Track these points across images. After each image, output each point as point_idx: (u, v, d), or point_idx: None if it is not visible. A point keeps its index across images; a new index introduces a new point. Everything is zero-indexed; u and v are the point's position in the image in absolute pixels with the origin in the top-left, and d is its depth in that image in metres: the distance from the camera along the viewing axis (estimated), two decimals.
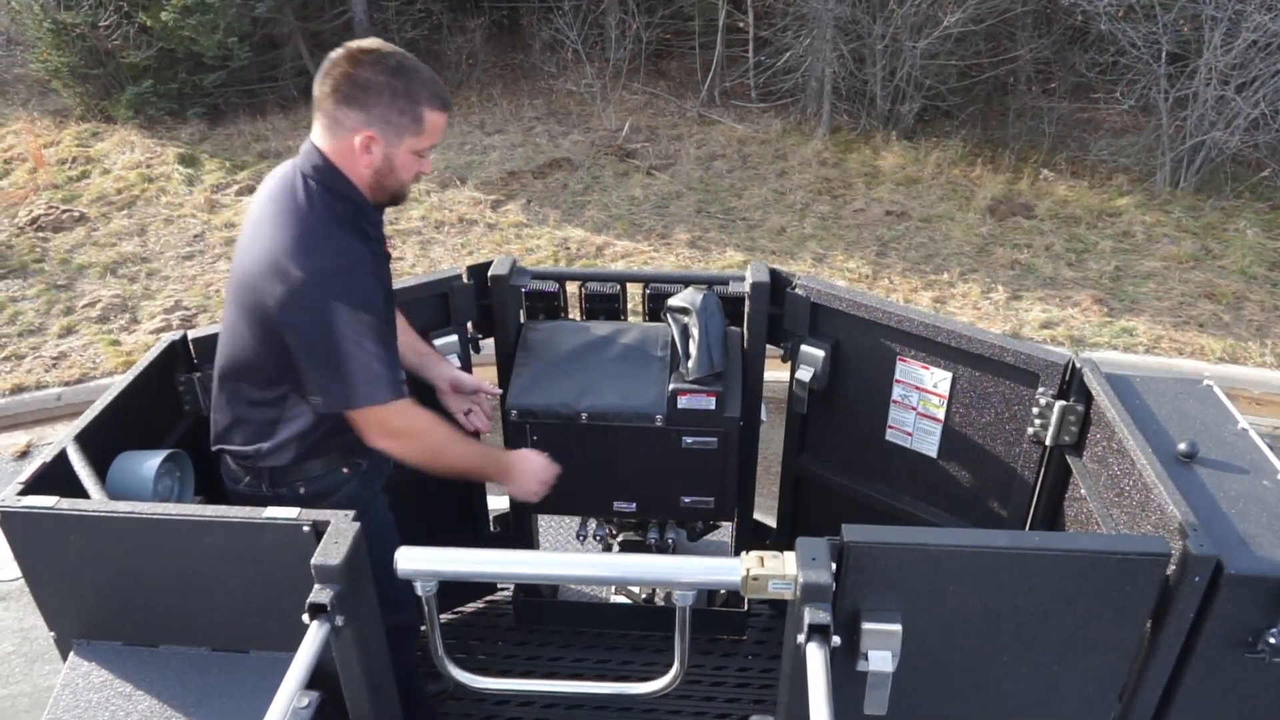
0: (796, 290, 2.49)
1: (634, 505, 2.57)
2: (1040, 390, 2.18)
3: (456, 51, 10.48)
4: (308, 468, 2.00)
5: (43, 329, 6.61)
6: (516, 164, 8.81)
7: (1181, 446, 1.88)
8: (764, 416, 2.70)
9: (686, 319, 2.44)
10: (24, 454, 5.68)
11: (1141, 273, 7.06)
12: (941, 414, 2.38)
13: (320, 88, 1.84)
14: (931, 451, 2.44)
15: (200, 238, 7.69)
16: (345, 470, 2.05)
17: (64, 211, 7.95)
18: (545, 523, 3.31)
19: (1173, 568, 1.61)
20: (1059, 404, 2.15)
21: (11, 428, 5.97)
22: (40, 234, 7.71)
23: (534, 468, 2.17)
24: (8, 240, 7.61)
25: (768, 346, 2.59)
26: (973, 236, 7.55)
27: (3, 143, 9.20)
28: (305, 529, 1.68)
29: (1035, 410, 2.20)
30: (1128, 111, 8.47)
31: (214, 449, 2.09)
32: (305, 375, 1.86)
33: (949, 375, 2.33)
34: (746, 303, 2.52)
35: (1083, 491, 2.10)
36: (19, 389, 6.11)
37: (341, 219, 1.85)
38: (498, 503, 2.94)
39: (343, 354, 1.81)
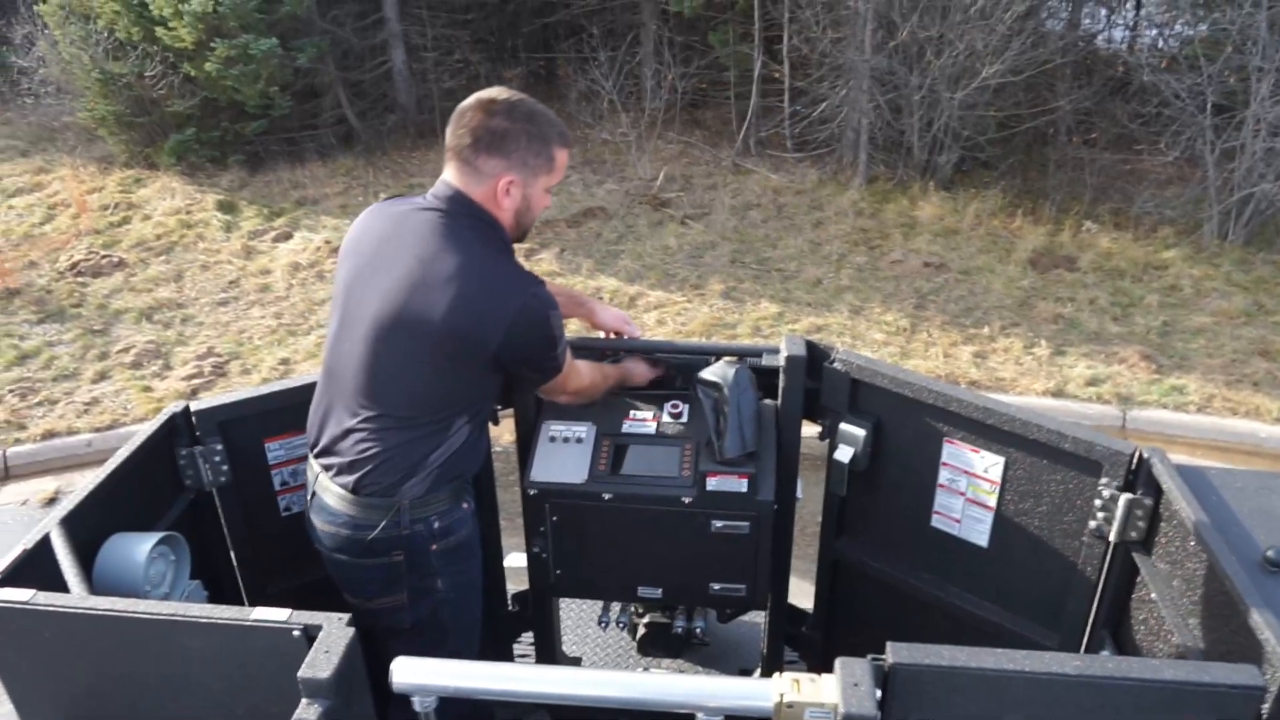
0: (835, 364, 2.31)
1: (660, 591, 2.39)
2: (1103, 481, 1.98)
3: None
4: (439, 497, 2.06)
5: (77, 374, 6.58)
6: (551, 212, 8.73)
7: (1270, 553, 1.67)
8: (799, 493, 2.52)
9: (717, 394, 2.27)
10: (51, 500, 5.61)
11: (1191, 328, 6.79)
12: (993, 501, 2.19)
13: (456, 137, 1.98)
14: (981, 541, 2.24)
15: (235, 284, 7.66)
16: (465, 506, 2.14)
17: (103, 257, 7.97)
18: (566, 605, 3.13)
19: (1268, 705, 1.40)
20: (1125, 497, 1.95)
21: (41, 473, 5.91)
22: (79, 279, 7.73)
23: (643, 371, 2.49)
24: (48, 285, 7.63)
25: (804, 422, 2.41)
26: (1014, 289, 7.33)
27: (49, 189, 9.29)
28: (295, 633, 1.53)
29: (1098, 503, 2.00)
30: (1172, 163, 8.23)
31: (350, 488, 2.05)
32: (532, 376, 2.14)
33: (1001, 460, 2.14)
34: (781, 377, 2.35)
35: (1153, 595, 1.89)
36: (50, 434, 6.06)
37: (510, 254, 2.05)
38: (516, 581, 2.77)
39: (558, 346, 2.06)
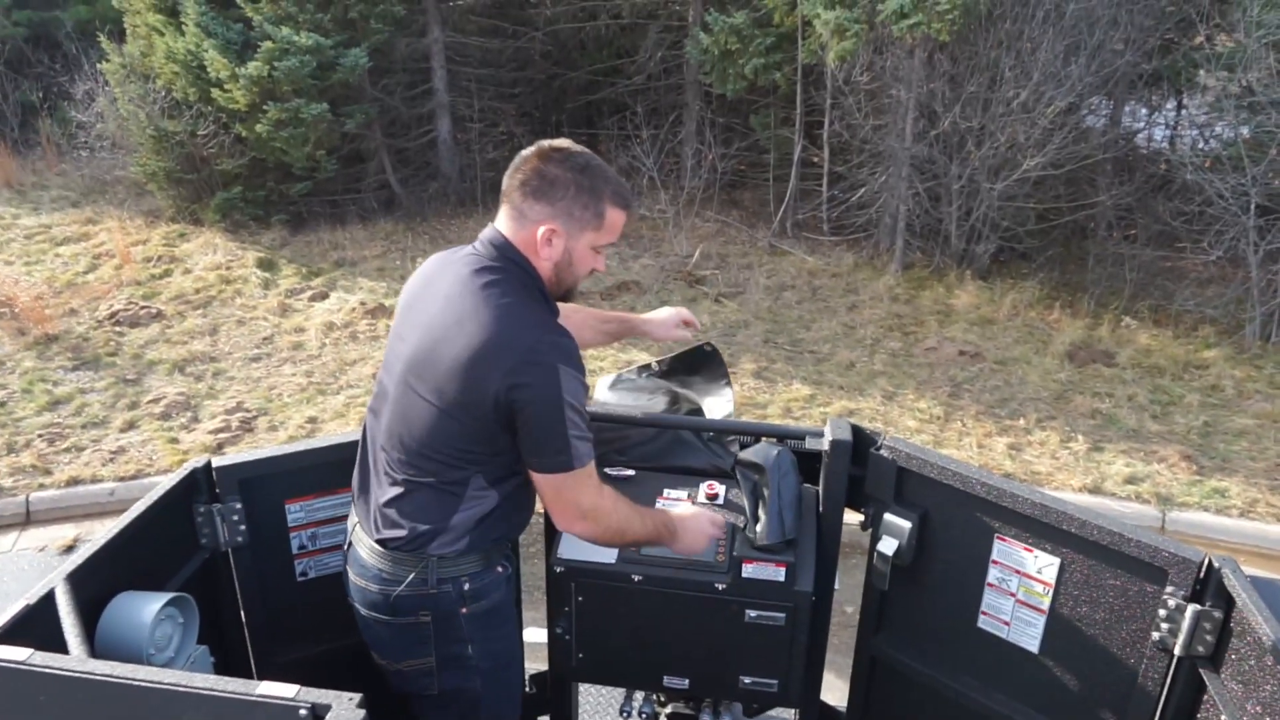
0: (882, 451, 2.20)
1: (687, 682, 2.25)
2: (1169, 590, 1.84)
3: None
4: (470, 559, 1.98)
5: (106, 422, 6.56)
6: (585, 285, 8.73)
7: None
8: (837, 585, 2.39)
9: (757, 477, 2.17)
10: (70, 547, 5.55)
11: (1233, 430, 6.59)
12: (1046, 604, 2.05)
13: (510, 181, 1.93)
14: (1032, 646, 2.10)
15: (269, 340, 7.67)
16: (499, 570, 2.04)
17: (142, 308, 8.03)
18: (585, 690, 2.99)
19: None
20: (1192, 608, 1.81)
21: (62, 520, 5.86)
22: (117, 328, 7.77)
23: (701, 527, 2.13)
24: (85, 333, 7.68)
25: (846, 510, 2.30)
26: (1050, 382, 7.18)
27: (95, 239, 9.43)
28: (302, 712, 1.42)
29: (1162, 613, 1.86)
30: (1214, 262, 8.13)
31: (377, 540, 1.99)
32: (528, 442, 1.87)
33: (1056, 561, 2.01)
34: (824, 462, 2.25)
35: (1224, 717, 1.74)
36: (74, 481, 6.02)
37: (539, 301, 1.94)
38: (534, 659, 2.64)
39: (565, 417, 1.83)
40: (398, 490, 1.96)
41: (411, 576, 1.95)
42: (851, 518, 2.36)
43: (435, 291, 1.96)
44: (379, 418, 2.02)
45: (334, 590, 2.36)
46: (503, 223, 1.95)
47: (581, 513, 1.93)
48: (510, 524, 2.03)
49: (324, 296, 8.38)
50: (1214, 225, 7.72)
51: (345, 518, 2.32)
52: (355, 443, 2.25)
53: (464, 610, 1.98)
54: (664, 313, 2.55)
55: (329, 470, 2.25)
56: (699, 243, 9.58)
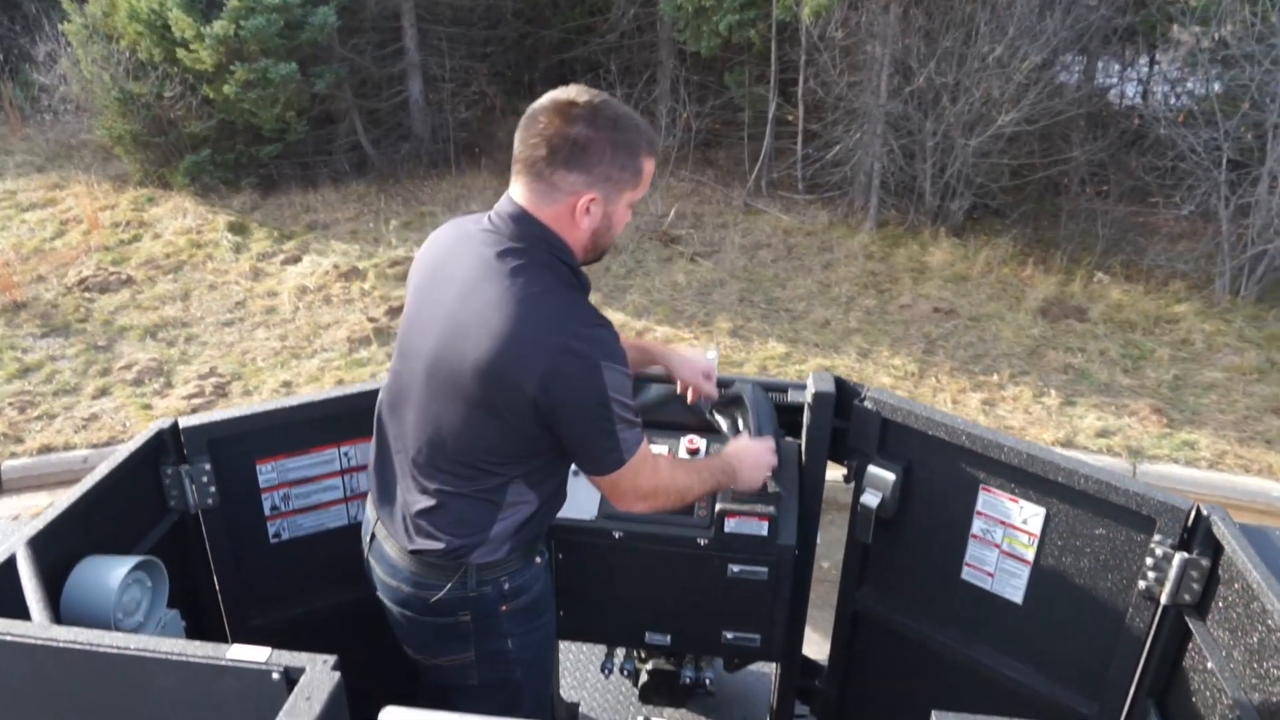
0: (865, 403, 2.16)
1: (669, 638, 2.22)
2: (1156, 539, 1.81)
3: (508, 133, 10.39)
4: (511, 559, 1.88)
5: (78, 389, 6.43)
6: None
7: None
8: (819, 539, 2.36)
9: (736, 410, 2.14)
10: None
11: (1202, 383, 6.63)
12: (1031, 555, 2.02)
13: (529, 149, 1.69)
14: (1016, 597, 2.07)
15: (241, 304, 7.54)
16: (538, 561, 1.94)
17: (112, 273, 7.85)
18: (566, 647, 2.95)
19: None
20: (1179, 556, 1.78)
21: (36, 488, 5.75)
22: (86, 294, 7.60)
23: (756, 459, 2.06)
24: (54, 299, 7.50)
25: (829, 463, 2.26)
26: (1023, 338, 7.18)
27: (62, 205, 9.20)
28: (275, 676, 1.36)
29: (1149, 561, 1.83)
30: (1186, 217, 8.13)
31: (410, 550, 1.87)
32: (575, 445, 1.76)
33: (1042, 511, 1.98)
34: (806, 414, 2.20)
35: (1210, 665, 1.71)
36: (47, 449, 5.90)
37: (571, 285, 1.75)
38: None
39: (612, 414, 1.70)
40: (430, 501, 1.83)
41: (451, 584, 1.85)
42: (833, 474, 2.32)
43: (452, 275, 1.77)
44: (401, 418, 1.87)
45: (309, 552, 2.30)
46: (523, 195, 1.73)
47: (641, 495, 1.85)
48: (549, 519, 1.94)
49: (296, 260, 8.23)
50: (1186, 180, 7.71)
51: (319, 478, 2.25)
52: (328, 400, 2.18)
53: (504, 608, 1.88)
54: (692, 354, 2.34)
55: (301, 429, 2.18)
56: (674, 202, 9.48)
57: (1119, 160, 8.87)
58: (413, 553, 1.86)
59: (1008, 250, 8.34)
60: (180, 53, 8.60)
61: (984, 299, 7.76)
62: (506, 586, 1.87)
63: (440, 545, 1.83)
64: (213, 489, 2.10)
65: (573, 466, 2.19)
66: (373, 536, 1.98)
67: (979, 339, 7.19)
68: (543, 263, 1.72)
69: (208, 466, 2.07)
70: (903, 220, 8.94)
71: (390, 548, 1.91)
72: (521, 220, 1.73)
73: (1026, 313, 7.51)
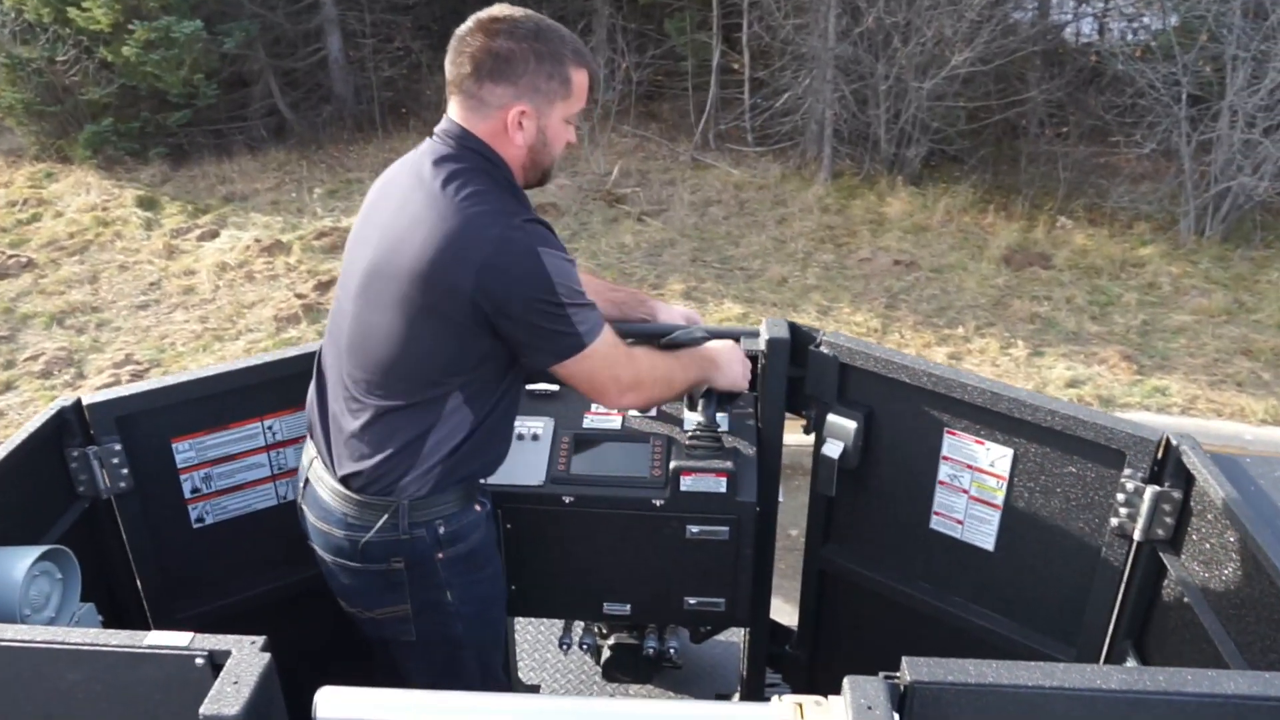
0: (822, 349, 2.16)
1: (628, 607, 2.21)
2: (1126, 473, 1.84)
3: (437, 91, 10.27)
4: (446, 499, 1.88)
5: None
6: None
7: None
8: (781, 498, 2.36)
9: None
10: None
11: (1171, 327, 6.77)
12: (1000, 499, 2.04)
13: (456, 68, 1.80)
14: (987, 544, 2.10)
15: (156, 285, 7.36)
16: (477, 509, 1.94)
17: (10, 257, 7.61)
18: (521, 625, 2.94)
19: None
20: (1151, 490, 1.81)
21: None
22: None
23: (734, 354, 2.14)
24: None
25: (787, 416, 2.25)
26: (988, 288, 7.27)
27: None
28: (199, 661, 1.32)
29: (1120, 497, 1.85)
30: (1148, 156, 8.25)
31: (340, 478, 1.88)
32: (527, 340, 1.79)
33: (1009, 452, 2.00)
34: (761, 363, 2.20)
35: (1186, 599, 1.74)
36: None
37: (510, 190, 1.83)
38: None
39: (559, 300, 1.74)
40: (365, 418, 1.85)
41: (381, 521, 1.85)
42: (797, 438, 2.32)
43: (390, 192, 1.86)
44: (337, 342, 1.92)
45: (237, 537, 2.26)
46: (458, 114, 1.82)
47: (624, 386, 1.89)
48: (484, 459, 1.94)
49: (214, 235, 8.05)
50: (1146, 117, 7.83)
51: (243, 455, 2.21)
52: (249, 369, 2.13)
53: (440, 556, 1.88)
54: (678, 309, 2.43)
55: (220, 402, 2.12)
56: (617, 159, 9.42)
57: (1077, 99, 8.99)
58: (343, 482, 1.87)
59: (968, 198, 8.42)
60: (72, 11, 8.32)
61: (945, 249, 7.84)
62: (442, 531, 1.87)
63: (369, 463, 1.84)
64: (125, 471, 2.04)
65: (521, 428, 2.20)
66: (306, 481, 1.98)
67: (942, 291, 7.26)
68: (478, 168, 1.78)
69: (118, 447, 2.01)
70: (858, 170, 8.98)
71: (322, 489, 1.92)
72: (459, 135, 1.81)
73: (990, 262, 7.60)
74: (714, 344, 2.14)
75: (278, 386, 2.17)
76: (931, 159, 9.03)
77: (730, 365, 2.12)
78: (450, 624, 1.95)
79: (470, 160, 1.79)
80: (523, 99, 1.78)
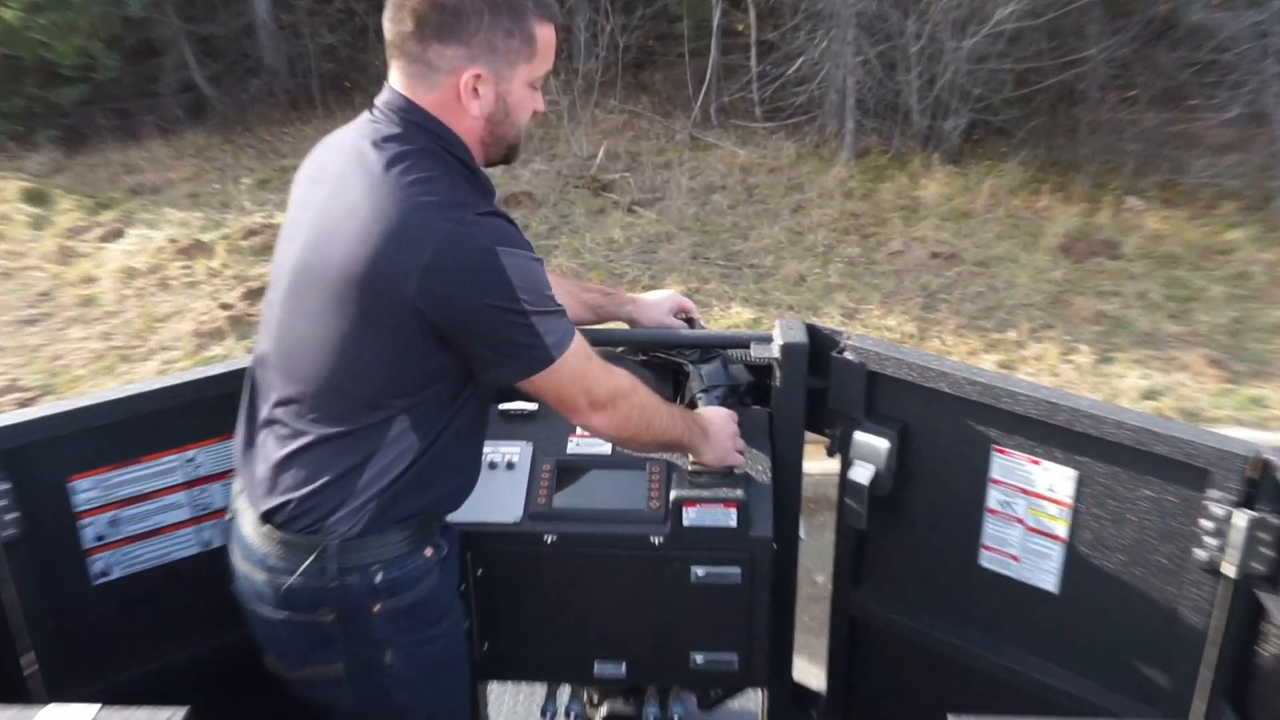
0: (846, 355, 2.17)
1: (623, 667, 2.22)
2: (1213, 495, 1.84)
3: (384, 62, 10.32)
4: (385, 540, 1.86)
5: None
6: None
7: None
8: (802, 534, 2.37)
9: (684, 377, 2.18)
10: None
11: (1266, 325, 6.80)
12: (1063, 530, 2.05)
13: (396, 26, 1.78)
14: (1048, 584, 2.11)
15: (47, 296, 7.36)
16: (428, 553, 1.93)
17: None
18: (496, 694, 2.94)
19: None
20: (1244, 515, 1.82)
21: None
22: None
23: (727, 427, 2.17)
24: None
25: (808, 434, 2.27)
26: (1043, 283, 7.31)
27: None
28: None
29: (1207, 524, 1.86)
30: (1232, 122, 8.29)
31: (264, 512, 1.89)
32: (486, 353, 1.79)
33: (1072, 474, 2.01)
34: (776, 373, 2.21)
35: None
36: None
37: (462, 176, 1.82)
38: None
39: (520, 307, 1.74)
40: (293, 445, 1.85)
41: (307, 564, 1.84)
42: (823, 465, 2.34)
43: (323, 177, 1.86)
44: (264, 353, 1.93)
45: (151, 592, 2.25)
46: (400, 81, 1.81)
47: (597, 403, 1.89)
48: (437, 494, 1.93)
49: (119, 235, 8.06)
50: (1229, 76, 7.88)
51: (159, 494, 2.21)
52: (165, 390, 2.14)
53: (377, 607, 1.87)
54: (658, 295, 2.48)
55: (130, 430, 2.12)
56: (602, 140, 9.47)
57: (1146, 57, 9.04)
58: (265, 517, 1.87)
59: (1017, 177, 8.47)
60: None
61: (992, 238, 7.88)
62: (379, 578, 1.86)
63: (294, 496, 1.84)
64: (12, 516, 2.03)
65: (494, 455, 2.22)
66: (232, 516, 2.00)
67: (989, 288, 7.30)
68: (425, 149, 1.77)
69: (4, 486, 2.01)
70: (887, 147, 9.04)
71: (247, 522, 1.92)
72: (402, 108, 1.80)
73: (1045, 252, 7.64)
74: (709, 412, 2.17)
75: (200, 410, 2.17)
76: (973, 132, 9.08)
77: (719, 439, 2.13)
78: (392, 690, 1.94)
79: (417, 139, 1.78)
80: (477, 61, 1.77)
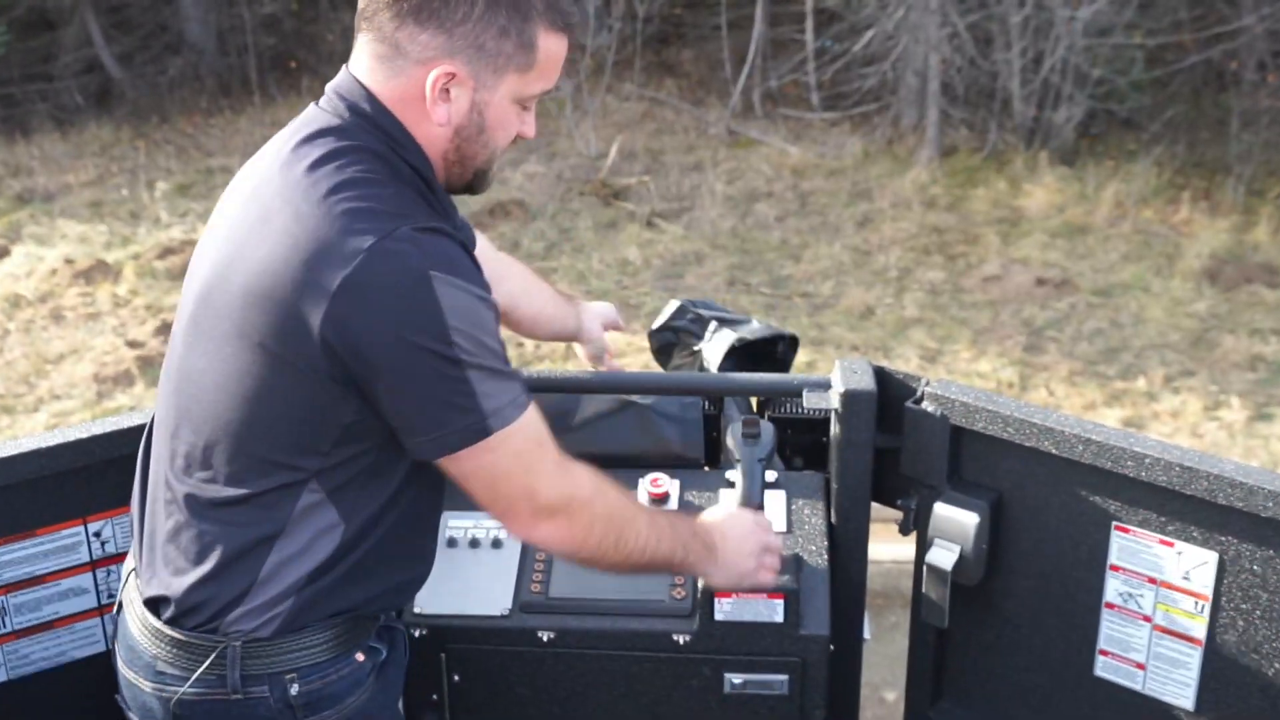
0: (924, 405, 2.20)
1: None
2: None
3: (344, 36, 10.46)
4: (302, 643, 1.81)
5: None
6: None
7: None
8: (868, 633, 2.40)
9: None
10: None
11: None
12: (1201, 630, 2.07)
13: None
14: (1184, 700, 2.12)
15: None
16: (359, 657, 1.87)
17: None
18: None
19: None
20: None
21: None
22: None
23: (744, 534, 2.05)
24: None
25: (875, 507, 2.30)
26: (1182, 318, 7.33)
27: None
28: None
29: None
30: None
31: (147, 599, 1.87)
32: (404, 410, 1.71)
33: (1212, 558, 2.03)
34: (834, 427, 2.24)
35: None
36: None
37: (415, 181, 1.79)
38: None
39: (456, 356, 1.66)
40: (182, 513, 1.83)
41: (201, 670, 1.81)
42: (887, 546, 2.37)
43: (245, 184, 1.86)
44: (161, 398, 1.92)
45: (47, 698, 2.29)
46: (361, 63, 1.81)
47: (539, 506, 1.80)
48: (383, 586, 1.89)
49: (3, 254, 8.18)
50: None
51: (53, 576, 2.25)
52: (63, 448, 2.17)
53: None
54: (593, 306, 2.56)
55: (19, 497, 2.17)
56: (615, 134, 9.56)
57: None
58: (151, 608, 1.85)
59: (1149, 182, 8.51)
60: None
61: (1115, 260, 7.91)
62: (295, 691, 1.82)
63: (183, 583, 1.81)
64: None
65: (475, 530, 2.25)
66: (119, 607, 1.97)
67: (1112, 324, 7.32)
68: (366, 147, 1.77)
69: None
70: (980, 144, 9.09)
71: (133, 617, 1.90)
72: (355, 96, 1.80)
73: (1185, 278, 7.66)
74: (724, 520, 2.07)
75: (108, 473, 2.20)
76: (1092, 125, 9.12)
77: (735, 558, 2.03)
78: None
79: (360, 135, 1.78)
80: (456, 56, 1.75)
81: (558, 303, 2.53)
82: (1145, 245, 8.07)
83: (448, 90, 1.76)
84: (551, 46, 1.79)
